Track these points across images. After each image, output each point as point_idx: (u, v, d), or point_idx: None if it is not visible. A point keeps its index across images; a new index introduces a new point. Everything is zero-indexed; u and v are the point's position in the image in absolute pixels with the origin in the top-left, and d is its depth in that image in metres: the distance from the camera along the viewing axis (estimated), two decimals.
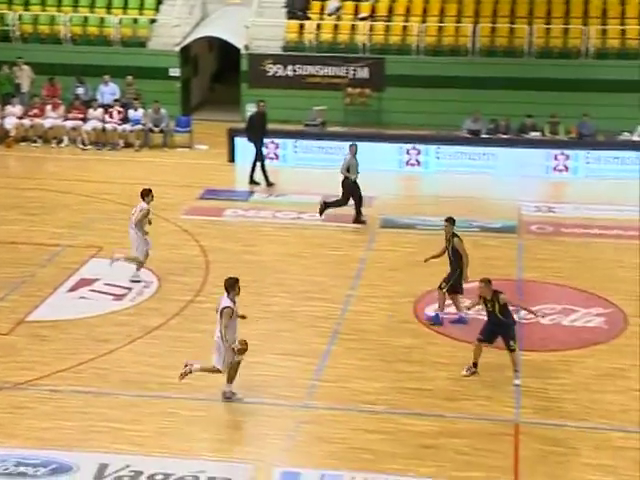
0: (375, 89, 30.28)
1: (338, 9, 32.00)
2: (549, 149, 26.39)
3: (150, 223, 18.92)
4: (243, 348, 14.19)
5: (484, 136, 27.61)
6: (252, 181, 25.21)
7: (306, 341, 16.52)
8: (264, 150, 25.59)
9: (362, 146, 25.14)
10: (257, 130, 25.37)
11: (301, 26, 31.58)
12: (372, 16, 31.65)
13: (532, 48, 30.15)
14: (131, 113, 29.13)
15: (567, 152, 26.18)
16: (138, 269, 18.85)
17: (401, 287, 18.81)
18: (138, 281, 18.77)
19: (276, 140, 26.49)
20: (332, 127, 29.01)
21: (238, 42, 31.58)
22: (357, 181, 22.19)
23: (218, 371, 14.41)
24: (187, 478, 12.58)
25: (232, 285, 14.29)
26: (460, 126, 27.94)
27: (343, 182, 22.23)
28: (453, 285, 17.24)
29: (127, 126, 28.91)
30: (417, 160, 26.55)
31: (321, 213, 22.32)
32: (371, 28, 31.13)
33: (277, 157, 26.85)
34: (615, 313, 17.70)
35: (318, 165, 26.46)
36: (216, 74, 35.89)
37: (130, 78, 30.25)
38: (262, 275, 19.29)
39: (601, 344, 16.61)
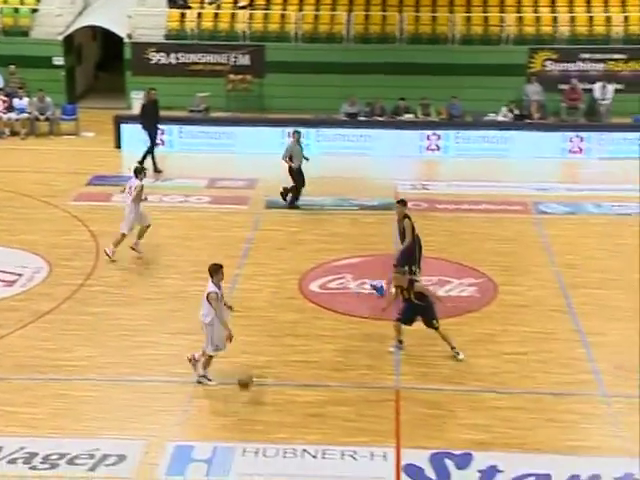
0: (256, 75, 30.18)
1: None
2: (422, 130, 26.76)
3: (146, 199, 19.02)
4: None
5: (361, 119, 27.84)
6: (156, 169, 24.81)
7: (197, 320, 16.43)
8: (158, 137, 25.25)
9: (245, 130, 25.19)
10: (150, 118, 25.04)
11: (182, 15, 31.24)
12: (251, 5, 31.51)
13: (403, 35, 30.47)
14: (16, 102, 28.39)
15: (438, 132, 26.60)
16: (119, 243, 18.74)
17: (286, 265, 18.88)
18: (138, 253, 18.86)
19: (161, 126, 26.19)
20: (215, 113, 28.83)
21: (121, 31, 31.06)
22: (301, 167, 21.98)
23: (210, 356, 14.29)
24: (82, 457, 12.43)
25: (216, 270, 14.13)
26: (338, 110, 28.10)
27: (289, 169, 22.04)
28: (402, 260, 17.18)
29: (12, 115, 28.17)
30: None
31: (284, 198, 22.09)
32: (250, 16, 30.99)
33: (163, 143, 26.53)
34: (486, 283, 18.12)
35: (203, 150, 26.30)
36: (100, 62, 35.22)
37: (13, 67, 29.49)
38: (152, 257, 19.11)
39: (474, 312, 16.99)
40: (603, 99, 28.75)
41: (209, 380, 14.39)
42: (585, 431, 13.29)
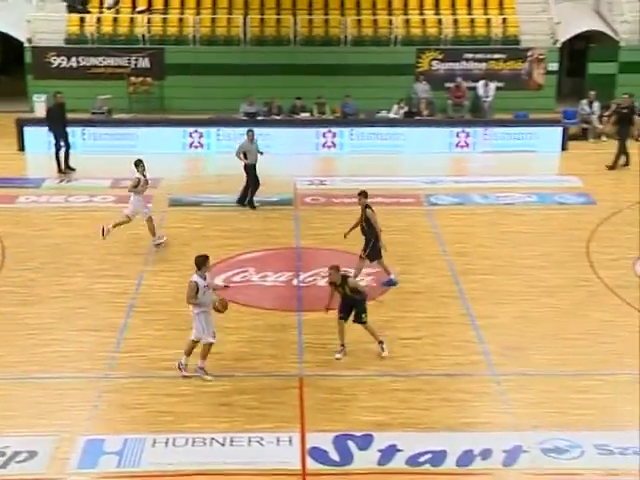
0: (156, 78, 29.84)
1: (117, 2, 31.27)
2: (318, 128, 26.85)
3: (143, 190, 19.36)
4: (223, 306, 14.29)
5: (259, 118, 27.79)
6: (68, 168, 24.33)
7: (104, 316, 16.22)
8: (61, 139, 24.72)
9: (147, 131, 24.81)
10: (57, 120, 24.55)
11: (82, 19, 30.69)
12: (149, 9, 31.14)
13: (297, 37, 30.52)
14: None
15: (334, 130, 26.72)
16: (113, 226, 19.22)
17: (191, 261, 18.62)
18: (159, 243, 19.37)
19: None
20: (118, 115, 28.42)
21: (21, 35, 30.32)
22: (255, 165, 21.73)
23: (210, 344, 14.18)
24: None
25: (202, 262, 14.11)
26: (237, 110, 27.99)
27: (244, 167, 21.79)
28: (372, 253, 17.36)
29: None
30: (200, 142, 26.43)
31: (241, 203, 21.86)
32: (149, 20, 30.63)
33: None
34: (382, 272, 18.28)
35: (106, 151, 25.90)
36: (1, 66, 34.30)
37: None
38: (58, 257, 18.76)
39: (371, 300, 17.11)
40: (486, 96, 29.32)
41: (206, 374, 14.21)
42: (477, 409, 13.56)
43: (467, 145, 26.65)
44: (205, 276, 14.16)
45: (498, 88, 29.57)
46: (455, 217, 21.46)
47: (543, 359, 14.96)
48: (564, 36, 30.42)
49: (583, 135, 27.73)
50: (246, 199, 21.88)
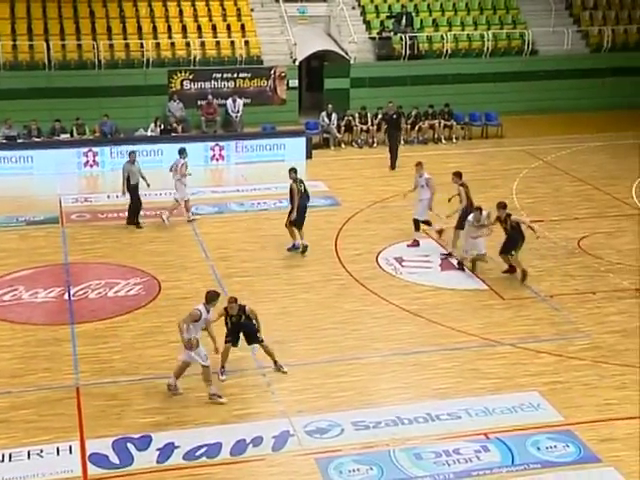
0: None
1: None
2: (78, 148, 26.00)
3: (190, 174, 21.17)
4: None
5: (20, 141, 26.54)
6: None
7: None
8: None
9: None
10: None
11: None
12: None
13: (52, 61, 29.42)
14: None
15: (94, 149, 25.97)
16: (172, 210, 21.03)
17: None
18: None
19: None
20: None
21: None
22: (138, 186, 21.06)
23: (207, 367, 13.41)
24: None
25: (212, 298, 13.54)
26: None
27: (128, 188, 21.03)
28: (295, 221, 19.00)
29: None
30: None
31: (129, 223, 21.15)
32: None
33: None
34: (150, 281, 18.01)
35: None
36: None
37: None
38: None
39: (141, 308, 16.83)
40: (236, 112, 29.56)
41: (219, 397, 13.48)
42: (246, 401, 13.62)
43: (222, 158, 26.73)
44: (209, 310, 13.51)
45: (246, 104, 29.89)
46: (215, 225, 21.46)
47: (303, 349, 15.25)
48: (301, 55, 31.21)
49: (325, 144, 28.59)
50: (135, 219, 21.22)
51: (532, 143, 28.61)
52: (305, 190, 19.44)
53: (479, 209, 18.02)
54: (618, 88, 31.74)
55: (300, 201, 19.27)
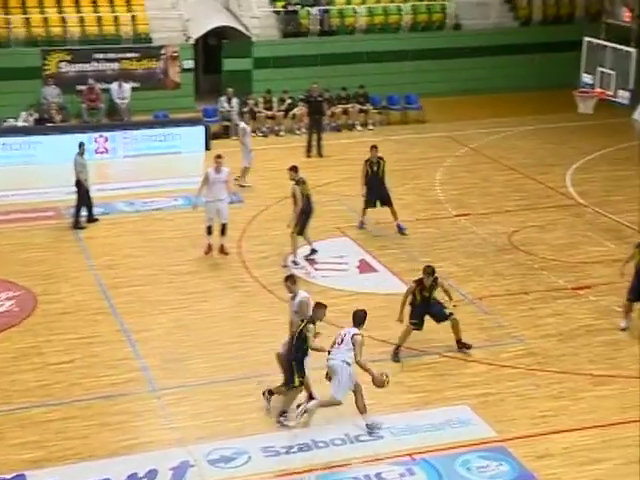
0: None
1: None
2: None
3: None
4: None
5: None
6: None
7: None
8: None
9: None
10: None
11: None
12: None
13: None
14: None
15: None
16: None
17: None
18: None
19: None
20: None
21: None
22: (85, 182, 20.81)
23: (338, 403, 13.36)
24: None
25: (363, 319, 13.70)
26: None
27: (77, 183, 20.81)
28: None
29: None
30: None
31: (88, 222, 21.16)
32: None
33: None
34: (25, 294, 17.65)
35: None
36: None
37: None
38: None
39: (15, 326, 16.47)
40: (122, 98, 29.19)
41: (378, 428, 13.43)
42: (138, 429, 13.46)
43: (107, 151, 26.34)
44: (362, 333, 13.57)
45: (134, 88, 29.53)
46: (101, 228, 21.15)
47: (203, 367, 15.15)
48: (197, 33, 31.01)
49: (225, 133, 28.45)
50: (91, 215, 21.14)
51: (457, 128, 29.03)
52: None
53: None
54: (550, 65, 32.38)
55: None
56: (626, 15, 25.81)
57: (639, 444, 13.09)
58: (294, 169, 19.17)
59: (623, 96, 25.42)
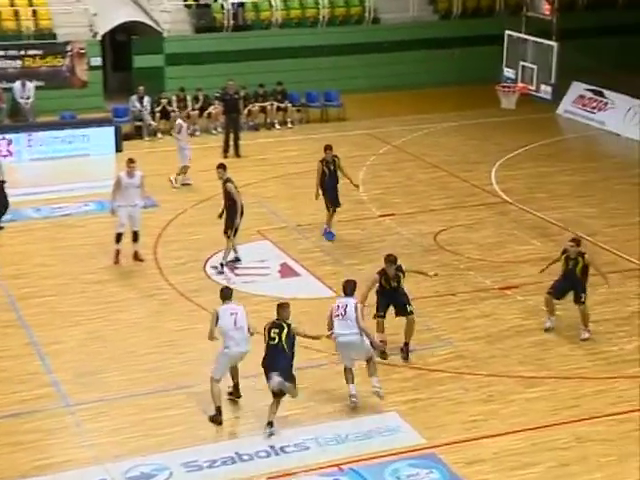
0: None
1: None
2: None
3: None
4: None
5: None
6: None
7: None
8: None
9: None
10: None
11: None
12: None
13: None
14: None
15: None
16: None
17: None
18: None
19: None
20: None
21: None
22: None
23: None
24: None
25: (355, 286, 14.54)
26: None
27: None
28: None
29: None
30: None
31: None
32: None
33: None
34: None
35: None
36: None
37: None
38: None
39: None
40: (26, 98, 28.71)
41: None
42: (52, 447, 13.28)
43: (10, 154, 25.89)
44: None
45: (38, 87, 29.08)
46: (8, 236, 20.81)
47: (119, 380, 15.01)
48: (104, 28, 30.69)
49: (137, 134, 28.21)
50: None
51: (379, 125, 29.27)
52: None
53: None
54: (471, 60, 32.83)
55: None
56: (546, 8, 26.23)
57: (570, 446, 13.36)
58: (222, 167, 19.15)
59: (545, 91, 25.87)
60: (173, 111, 28.53)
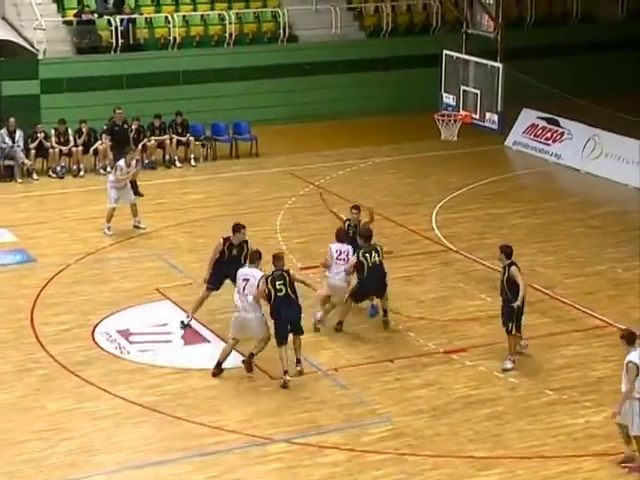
0: None
1: None
2: None
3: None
4: None
5: None
6: None
7: None
8: None
9: None
10: None
11: None
12: None
13: None
14: None
15: None
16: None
17: None
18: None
19: None
20: None
21: None
22: None
23: None
24: None
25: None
26: None
27: None
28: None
29: None
30: None
31: None
32: None
33: None
34: None
35: None
36: None
37: None
38: None
39: None
40: None
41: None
42: None
43: None
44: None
45: None
46: None
47: None
48: None
49: (8, 174, 27.90)
50: None
51: (299, 162, 29.42)
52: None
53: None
54: (405, 84, 33.30)
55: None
56: (489, 24, 26.56)
57: None
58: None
59: (491, 119, 26.14)
60: (52, 147, 28.32)
